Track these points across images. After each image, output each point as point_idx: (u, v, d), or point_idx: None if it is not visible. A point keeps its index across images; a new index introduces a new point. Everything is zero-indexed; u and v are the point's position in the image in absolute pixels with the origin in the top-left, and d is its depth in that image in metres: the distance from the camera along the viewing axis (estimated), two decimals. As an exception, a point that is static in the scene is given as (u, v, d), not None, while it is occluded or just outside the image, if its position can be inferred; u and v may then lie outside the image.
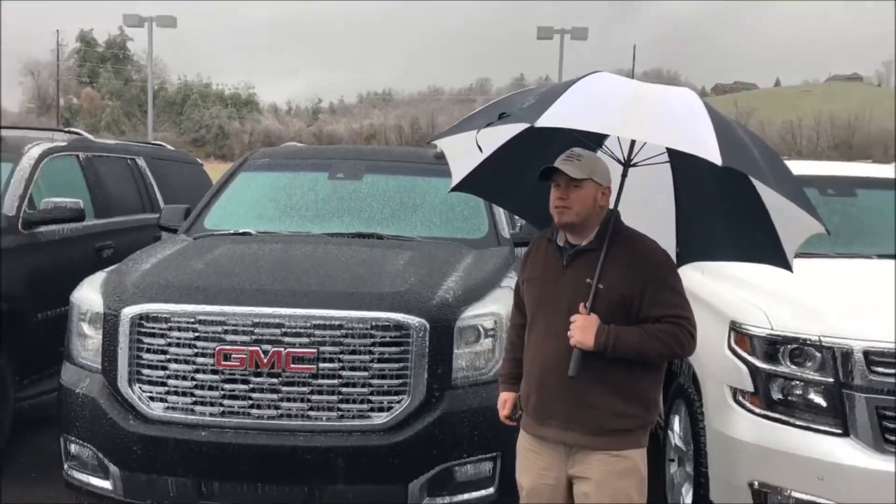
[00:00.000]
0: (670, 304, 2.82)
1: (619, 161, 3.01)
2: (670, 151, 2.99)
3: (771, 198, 2.84)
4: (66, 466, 3.90)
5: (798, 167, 4.01)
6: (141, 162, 7.43)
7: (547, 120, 2.50)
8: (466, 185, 3.37)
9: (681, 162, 3.00)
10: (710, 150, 2.42)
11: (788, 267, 3.06)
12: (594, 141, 3.05)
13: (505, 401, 3.16)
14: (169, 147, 9.05)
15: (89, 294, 3.99)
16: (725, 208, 3.09)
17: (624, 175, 2.96)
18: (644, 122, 2.58)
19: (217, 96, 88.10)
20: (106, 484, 3.70)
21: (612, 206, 2.94)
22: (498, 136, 3.13)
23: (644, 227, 2.99)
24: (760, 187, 2.82)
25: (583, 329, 2.75)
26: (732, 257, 3.29)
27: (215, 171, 8.86)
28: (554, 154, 2.91)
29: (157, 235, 5.84)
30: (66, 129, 7.11)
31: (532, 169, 2.93)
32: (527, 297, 3.04)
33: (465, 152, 3.09)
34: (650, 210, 3.17)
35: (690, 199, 3.17)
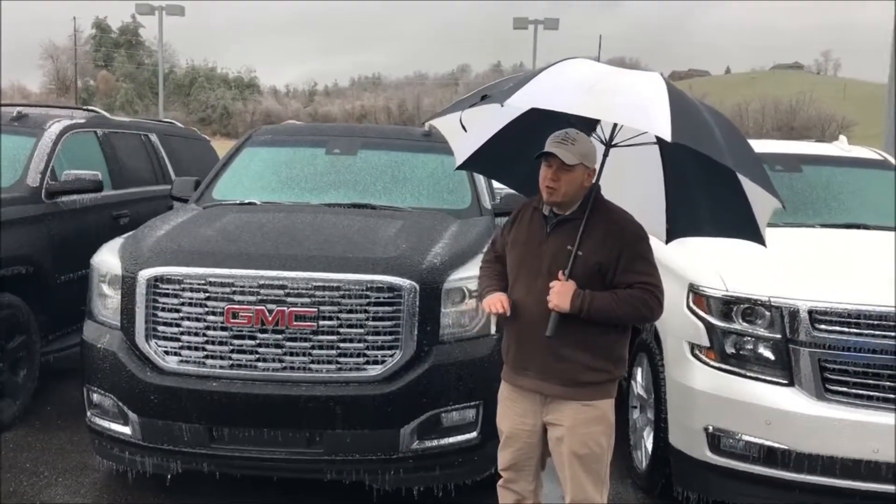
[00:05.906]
0: (642, 272, 2.79)
1: (602, 142, 2.97)
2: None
3: (747, 180, 2.79)
4: (88, 414, 3.86)
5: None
6: (154, 138, 7.30)
7: (514, 101, 2.49)
8: (470, 164, 3.34)
9: (667, 145, 2.91)
10: (661, 127, 2.37)
11: (763, 242, 3.04)
12: (588, 126, 2.98)
13: (498, 298, 2.91)
14: (179, 124, 8.88)
15: (108, 258, 3.93)
16: (710, 188, 3.04)
17: (605, 155, 2.93)
18: (601, 101, 2.52)
19: (222, 79, 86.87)
20: (125, 429, 3.67)
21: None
22: (494, 118, 3.09)
23: (636, 204, 2.95)
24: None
25: (560, 294, 2.74)
26: (715, 233, 3.24)
27: (221, 146, 8.74)
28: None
29: (169, 205, 5.75)
30: (85, 108, 6.96)
31: (530, 150, 2.88)
32: (510, 259, 3.00)
33: (462, 132, 3.04)
34: (642, 189, 3.13)
35: (678, 179, 3.12)
